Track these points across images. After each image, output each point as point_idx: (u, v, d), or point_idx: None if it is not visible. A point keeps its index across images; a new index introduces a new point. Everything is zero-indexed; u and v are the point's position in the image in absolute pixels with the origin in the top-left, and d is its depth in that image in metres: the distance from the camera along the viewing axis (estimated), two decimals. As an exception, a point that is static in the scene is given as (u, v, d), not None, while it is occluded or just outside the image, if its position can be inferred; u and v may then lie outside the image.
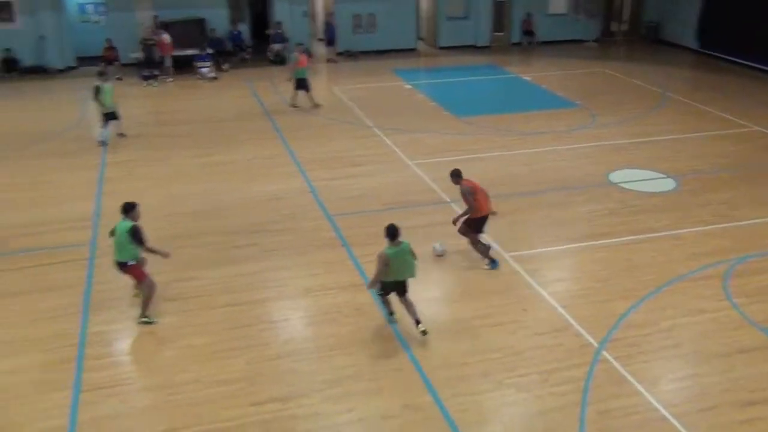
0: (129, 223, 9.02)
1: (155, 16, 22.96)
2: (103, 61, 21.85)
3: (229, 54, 23.55)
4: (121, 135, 16.27)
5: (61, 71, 22.86)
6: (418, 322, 8.84)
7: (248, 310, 9.56)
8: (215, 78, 21.76)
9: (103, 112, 15.73)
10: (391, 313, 9.25)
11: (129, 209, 9.14)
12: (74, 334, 8.99)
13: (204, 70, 21.94)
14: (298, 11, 24.57)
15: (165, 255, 9.30)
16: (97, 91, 15.50)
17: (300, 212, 12.47)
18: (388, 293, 9.01)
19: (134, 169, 14.47)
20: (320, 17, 27.55)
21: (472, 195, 10.30)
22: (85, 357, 8.55)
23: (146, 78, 21.36)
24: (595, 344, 8.64)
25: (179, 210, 12.64)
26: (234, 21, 24.28)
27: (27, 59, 22.58)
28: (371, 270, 9.04)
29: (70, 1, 23.41)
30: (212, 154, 14.80)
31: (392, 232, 8.63)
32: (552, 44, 26.78)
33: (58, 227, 11.96)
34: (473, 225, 10.54)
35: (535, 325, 9.11)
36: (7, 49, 22.11)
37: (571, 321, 9.14)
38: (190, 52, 22.42)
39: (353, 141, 16.29)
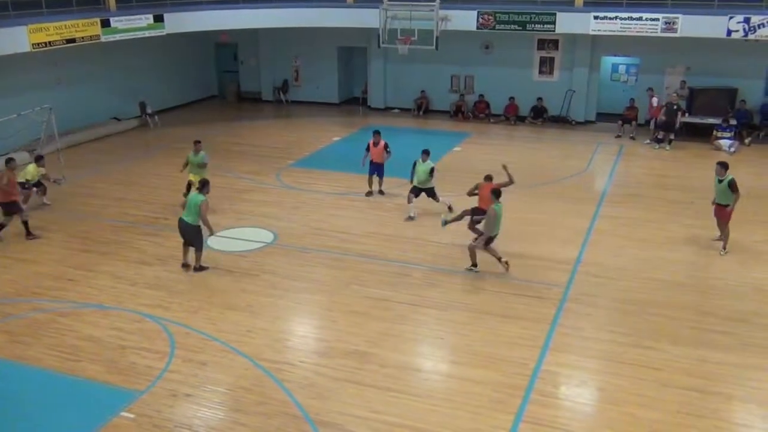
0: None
1: (683, 81, 22.70)
2: (621, 119, 22.56)
3: (754, 128, 21.83)
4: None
5: (579, 123, 24.32)
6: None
7: (706, 401, 8.73)
8: (734, 152, 20.39)
9: None
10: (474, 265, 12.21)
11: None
12: (529, 365, 9.48)
13: (724, 141, 20.77)
14: None
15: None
16: None
17: (797, 313, 10.88)
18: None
19: (620, 227, 14.54)
20: None
21: None
22: (534, 390, 8.95)
23: (658, 141, 21.23)
24: None
25: (656, 276, 12.25)
26: (771, 93, 22.41)
27: (553, 109, 24.64)
28: None
29: (606, 61, 24.70)
30: (709, 228, 13.92)
31: (497, 194, 12.04)
32: None
33: (541, 264, 12.75)
34: None
35: None
36: (540, 99, 24.47)
37: None
38: (711, 120, 21.52)
39: None
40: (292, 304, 11.47)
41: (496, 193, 12.11)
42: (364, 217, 15.28)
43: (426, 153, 15.12)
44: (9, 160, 14.28)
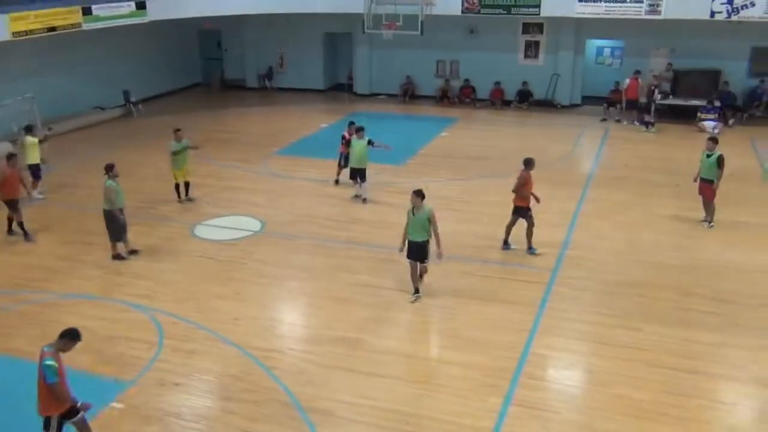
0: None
1: (669, 64, 22.77)
2: (606, 103, 22.62)
3: (737, 109, 21.96)
4: None
5: (564, 107, 24.37)
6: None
7: (693, 380, 8.82)
8: (718, 133, 20.49)
9: None
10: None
11: None
12: (518, 348, 9.53)
13: (708, 123, 20.88)
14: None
15: None
16: None
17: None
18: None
19: (607, 210, 14.63)
20: None
21: None
22: (522, 373, 8.99)
23: (645, 123, 21.30)
24: None
25: (642, 258, 12.33)
26: (755, 74, 22.46)
27: (539, 93, 24.67)
28: None
29: (591, 44, 24.71)
30: (695, 210, 14.03)
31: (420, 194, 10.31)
32: None
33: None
34: None
35: None
36: (525, 82, 24.47)
37: None
38: (695, 102, 21.64)
39: None
40: (279, 291, 11.46)
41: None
42: (350, 203, 15.25)
43: (360, 129, 15.06)
44: (10, 156, 13.69)
